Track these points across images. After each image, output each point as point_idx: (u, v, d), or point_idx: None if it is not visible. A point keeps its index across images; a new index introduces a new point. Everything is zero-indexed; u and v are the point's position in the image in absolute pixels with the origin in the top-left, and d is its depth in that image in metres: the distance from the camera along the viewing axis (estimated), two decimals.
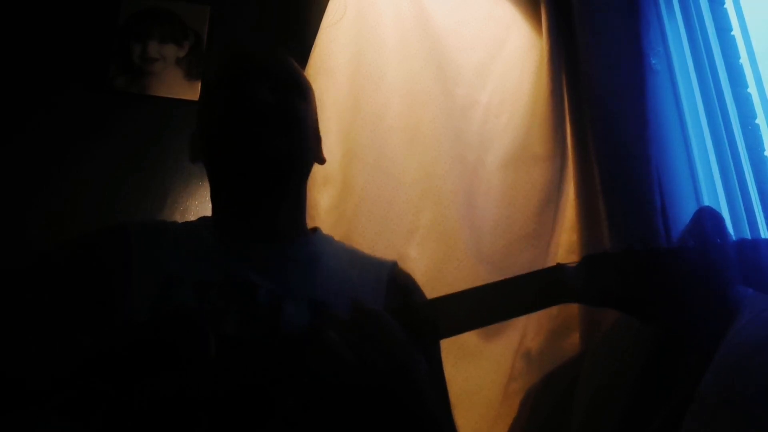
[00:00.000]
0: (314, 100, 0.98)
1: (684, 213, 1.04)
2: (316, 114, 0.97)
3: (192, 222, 0.96)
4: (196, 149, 0.96)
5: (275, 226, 0.89)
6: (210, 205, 1.43)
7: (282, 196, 0.90)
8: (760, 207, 1.01)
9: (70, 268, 0.80)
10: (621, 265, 0.64)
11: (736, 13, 1.11)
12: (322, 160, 0.99)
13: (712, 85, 1.10)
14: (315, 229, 0.97)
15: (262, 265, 0.84)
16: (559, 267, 0.67)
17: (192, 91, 1.50)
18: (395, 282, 0.90)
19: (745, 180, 1.03)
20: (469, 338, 1.20)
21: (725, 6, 1.13)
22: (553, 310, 1.17)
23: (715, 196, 1.05)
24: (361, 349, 0.62)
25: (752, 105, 1.07)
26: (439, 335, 0.71)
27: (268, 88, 0.88)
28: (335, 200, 1.29)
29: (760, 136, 1.06)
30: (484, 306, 0.67)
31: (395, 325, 0.64)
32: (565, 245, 1.23)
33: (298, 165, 0.91)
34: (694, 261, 0.62)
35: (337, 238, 1.22)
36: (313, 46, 1.37)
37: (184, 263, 0.81)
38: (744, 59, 1.09)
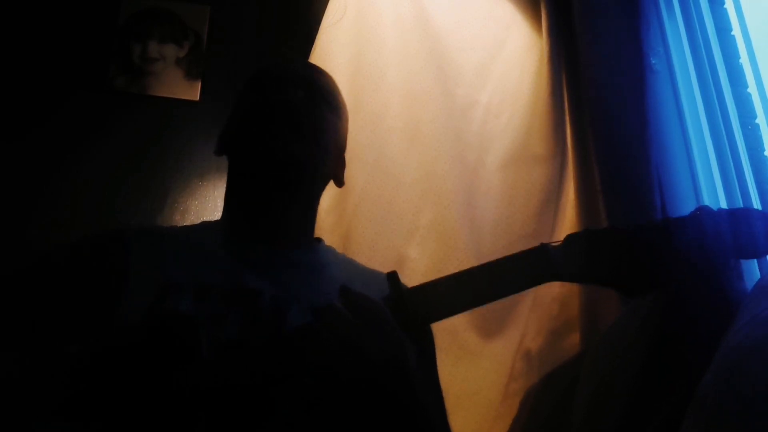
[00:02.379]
0: (346, 122, 0.98)
1: (684, 213, 1.04)
2: (344, 136, 0.98)
3: (193, 226, 0.96)
4: (221, 143, 0.96)
5: (282, 231, 0.89)
6: (210, 205, 1.45)
7: (291, 200, 0.90)
8: (760, 207, 1.01)
9: (66, 271, 0.80)
10: (603, 242, 0.66)
11: (736, 13, 1.11)
12: (340, 183, 0.99)
13: (712, 85, 1.10)
14: (319, 240, 0.97)
15: (266, 269, 0.84)
16: (543, 247, 0.68)
17: (192, 91, 1.50)
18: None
19: (745, 180, 1.03)
20: (469, 338, 1.20)
21: (725, 6, 1.13)
22: (554, 310, 1.17)
23: (715, 196, 1.05)
24: (352, 339, 0.62)
25: (752, 105, 1.07)
26: (429, 319, 0.71)
27: (300, 92, 0.89)
28: (335, 200, 1.29)
29: (760, 136, 1.06)
30: (472, 288, 0.69)
31: (385, 310, 0.65)
32: None
33: (310, 172, 0.90)
34: (683, 233, 0.63)
35: (337, 238, 1.23)
36: (313, 46, 1.37)
37: (184, 268, 0.81)
38: (744, 59, 1.09)
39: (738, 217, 0.63)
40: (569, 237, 0.68)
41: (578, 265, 0.66)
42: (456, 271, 1.21)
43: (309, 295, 0.82)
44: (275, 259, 0.86)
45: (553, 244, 0.68)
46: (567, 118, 1.27)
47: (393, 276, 0.71)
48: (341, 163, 0.99)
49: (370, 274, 0.94)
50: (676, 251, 0.63)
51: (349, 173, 1.30)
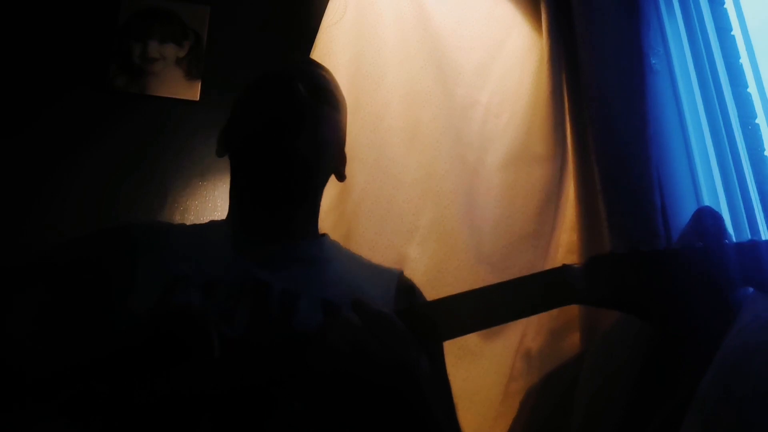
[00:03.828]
0: (345, 117, 0.99)
1: (684, 213, 1.04)
2: (344, 131, 0.99)
3: (200, 224, 0.97)
4: (222, 144, 0.97)
5: (288, 226, 0.90)
6: (210, 205, 1.45)
7: (298, 196, 0.91)
8: (760, 207, 1.01)
9: (72, 267, 0.80)
10: (626, 267, 0.63)
11: (736, 13, 1.11)
12: (342, 177, 1.00)
13: (712, 85, 1.10)
14: (324, 235, 0.97)
15: (273, 264, 0.84)
16: (565, 268, 0.66)
17: (192, 91, 1.50)
18: (403, 290, 0.90)
19: (745, 180, 1.03)
20: (470, 338, 1.19)
21: (725, 6, 1.13)
22: (554, 311, 1.17)
23: (715, 196, 1.05)
24: (364, 348, 0.62)
25: (752, 105, 1.07)
26: (442, 337, 0.70)
27: (303, 87, 0.89)
28: (335, 200, 1.29)
29: (760, 136, 1.06)
30: (488, 308, 0.66)
31: (399, 324, 0.64)
32: (565, 245, 1.23)
33: (314, 170, 0.91)
34: (699, 262, 0.61)
35: (337, 237, 1.22)
36: (313, 46, 1.37)
37: (191, 264, 0.81)
38: (744, 59, 1.09)
39: (747, 248, 0.62)
40: (592, 260, 0.66)
41: (600, 289, 0.64)
42: (456, 270, 1.23)
43: (316, 289, 0.82)
44: (282, 253, 0.87)
45: (575, 266, 0.66)
46: (567, 118, 1.27)
47: (408, 289, 0.70)
48: (342, 158, 1.00)
49: (374, 270, 0.94)
50: (689, 281, 0.62)
51: (349, 173, 1.31)
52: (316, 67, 0.99)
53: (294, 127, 0.87)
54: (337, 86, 0.98)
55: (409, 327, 0.65)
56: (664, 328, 0.75)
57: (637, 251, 0.64)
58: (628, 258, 0.64)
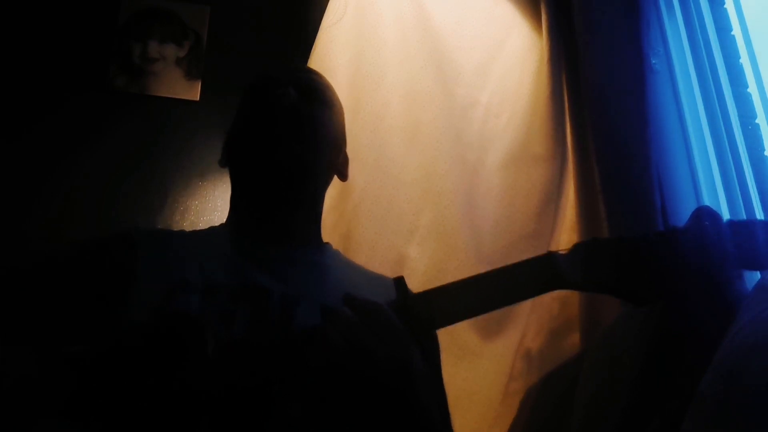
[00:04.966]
0: (341, 116, 0.99)
1: (684, 213, 1.04)
2: (340, 130, 0.99)
3: (202, 230, 0.98)
4: (223, 155, 0.99)
5: (290, 230, 0.91)
6: (210, 205, 1.45)
7: (297, 202, 0.91)
8: (760, 207, 1.01)
9: (74, 271, 0.80)
10: (611, 251, 0.65)
11: (736, 13, 1.11)
12: (344, 177, 1.01)
13: (712, 85, 1.10)
14: (327, 243, 0.98)
15: (274, 267, 0.85)
16: (550, 255, 0.67)
17: (192, 91, 1.50)
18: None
19: (745, 180, 1.03)
20: (469, 338, 1.20)
21: (725, 6, 1.13)
22: (554, 310, 1.17)
23: (715, 196, 1.05)
24: (360, 343, 0.62)
25: (752, 105, 1.07)
26: (434, 325, 0.71)
27: (293, 91, 0.90)
28: (335, 200, 1.29)
29: (760, 136, 1.05)
30: (478, 295, 0.68)
31: (392, 316, 0.65)
32: (565, 245, 1.23)
33: (311, 172, 0.91)
34: (686, 244, 0.62)
35: (337, 238, 1.23)
36: (313, 46, 1.38)
37: (192, 268, 0.81)
38: (744, 59, 1.09)
39: (741, 228, 0.63)
40: (577, 246, 0.67)
41: (585, 273, 0.65)
42: (456, 270, 1.23)
43: (316, 294, 0.83)
44: (283, 257, 0.87)
45: (561, 252, 0.67)
46: (567, 118, 1.27)
47: (400, 281, 0.71)
48: (343, 158, 1.00)
49: (374, 278, 0.95)
50: (680, 262, 0.63)
51: (349, 173, 1.31)
52: (304, 70, 1.01)
53: (287, 131, 0.87)
54: (328, 86, 0.99)
55: (402, 321, 0.65)
56: (651, 310, 0.75)
57: (620, 237, 0.66)
58: (611, 243, 0.66)
